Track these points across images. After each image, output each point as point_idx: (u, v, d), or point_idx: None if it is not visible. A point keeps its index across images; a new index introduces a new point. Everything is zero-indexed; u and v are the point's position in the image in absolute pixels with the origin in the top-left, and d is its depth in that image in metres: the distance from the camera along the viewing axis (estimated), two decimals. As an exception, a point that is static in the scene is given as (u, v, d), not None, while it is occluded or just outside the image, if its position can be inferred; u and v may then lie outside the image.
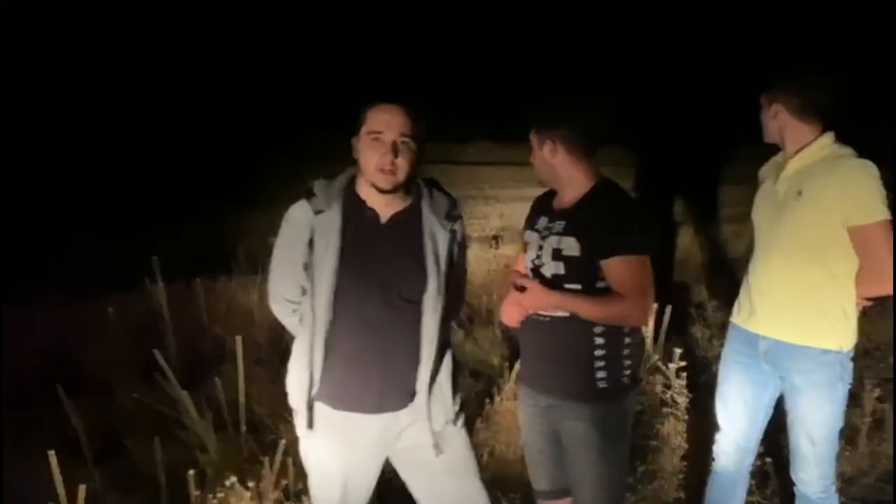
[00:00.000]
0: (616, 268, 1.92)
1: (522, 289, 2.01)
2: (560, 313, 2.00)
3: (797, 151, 2.21)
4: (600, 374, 1.99)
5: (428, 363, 1.90)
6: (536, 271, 2.07)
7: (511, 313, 2.08)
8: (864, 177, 2.09)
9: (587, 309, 1.94)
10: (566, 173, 2.03)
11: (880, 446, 3.34)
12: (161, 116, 6.40)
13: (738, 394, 2.44)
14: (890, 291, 2.12)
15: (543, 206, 2.15)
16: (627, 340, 2.02)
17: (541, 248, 2.05)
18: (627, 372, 2.03)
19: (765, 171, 2.45)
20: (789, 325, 2.24)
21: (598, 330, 1.97)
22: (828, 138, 2.19)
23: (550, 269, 2.01)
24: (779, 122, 2.25)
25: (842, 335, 2.22)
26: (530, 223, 2.17)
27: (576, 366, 2.00)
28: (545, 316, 2.02)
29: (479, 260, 6.40)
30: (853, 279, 2.18)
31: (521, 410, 2.28)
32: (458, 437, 2.03)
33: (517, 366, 3.15)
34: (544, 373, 2.09)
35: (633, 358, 2.05)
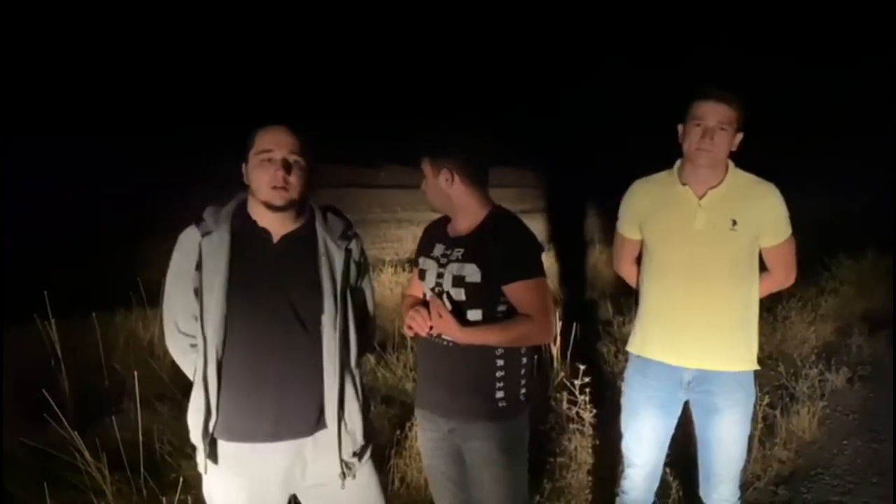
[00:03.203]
0: (520, 292, 1.99)
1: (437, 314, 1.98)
2: None
3: (718, 184, 2.21)
4: (499, 395, 2.04)
5: (333, 388, 1.84)
6: (438, 297, 2.08)
7: (417, 325, 2.03)
8: (780, 200, 2.23)
9: (498, 338, 1.99)
10: (461, 201, 2.06)
11: (772, 451, 3.55)
12: (55, 137, 6.09)
13: (652, 429, 2.40)
14: (791, 283, 2.41)
15: (437, 232, 2.18)
16: (524, 360, 2.10)
17: (440, 275, 2.07)
18: (524, 390, 2.11)
19: (650, 200, 2.35)
20: (718, 354, 2.25)
21: (499, 352, 2.03)
22: (732, 165, 2.25)
23: (452, 295, 2.03)
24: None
25: (754, 353, 2.31)
26: (425, 250, 2.18)
27: (478, 388, 2.04)
28: (447, 341, 2.04)
29: (392, 283, 6.38)
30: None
31: (421, 435, 2.28)
32: (363, 473, 1.99)
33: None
34: (445, 396, 2.10)
35: (528, 377, 2.13)
